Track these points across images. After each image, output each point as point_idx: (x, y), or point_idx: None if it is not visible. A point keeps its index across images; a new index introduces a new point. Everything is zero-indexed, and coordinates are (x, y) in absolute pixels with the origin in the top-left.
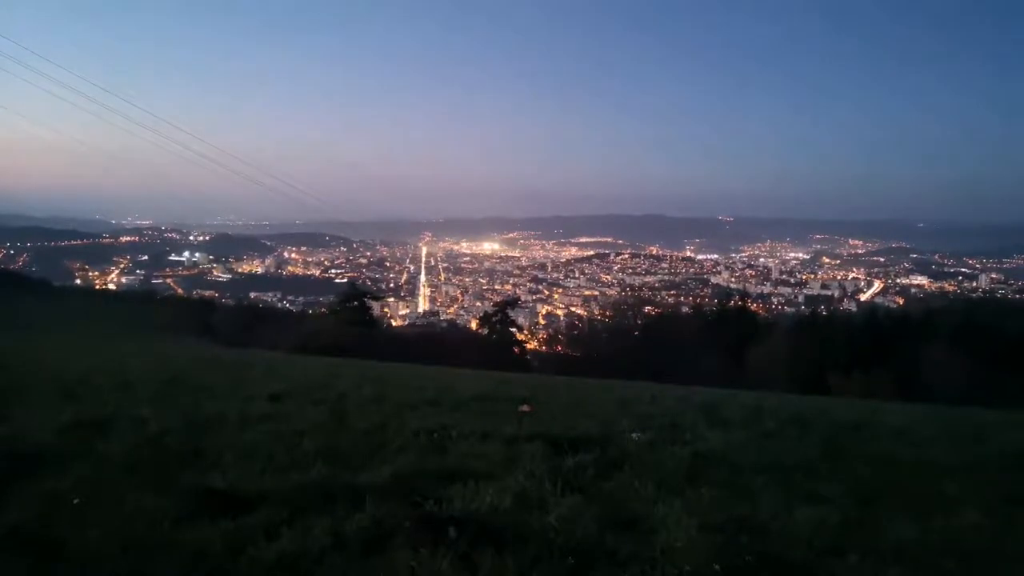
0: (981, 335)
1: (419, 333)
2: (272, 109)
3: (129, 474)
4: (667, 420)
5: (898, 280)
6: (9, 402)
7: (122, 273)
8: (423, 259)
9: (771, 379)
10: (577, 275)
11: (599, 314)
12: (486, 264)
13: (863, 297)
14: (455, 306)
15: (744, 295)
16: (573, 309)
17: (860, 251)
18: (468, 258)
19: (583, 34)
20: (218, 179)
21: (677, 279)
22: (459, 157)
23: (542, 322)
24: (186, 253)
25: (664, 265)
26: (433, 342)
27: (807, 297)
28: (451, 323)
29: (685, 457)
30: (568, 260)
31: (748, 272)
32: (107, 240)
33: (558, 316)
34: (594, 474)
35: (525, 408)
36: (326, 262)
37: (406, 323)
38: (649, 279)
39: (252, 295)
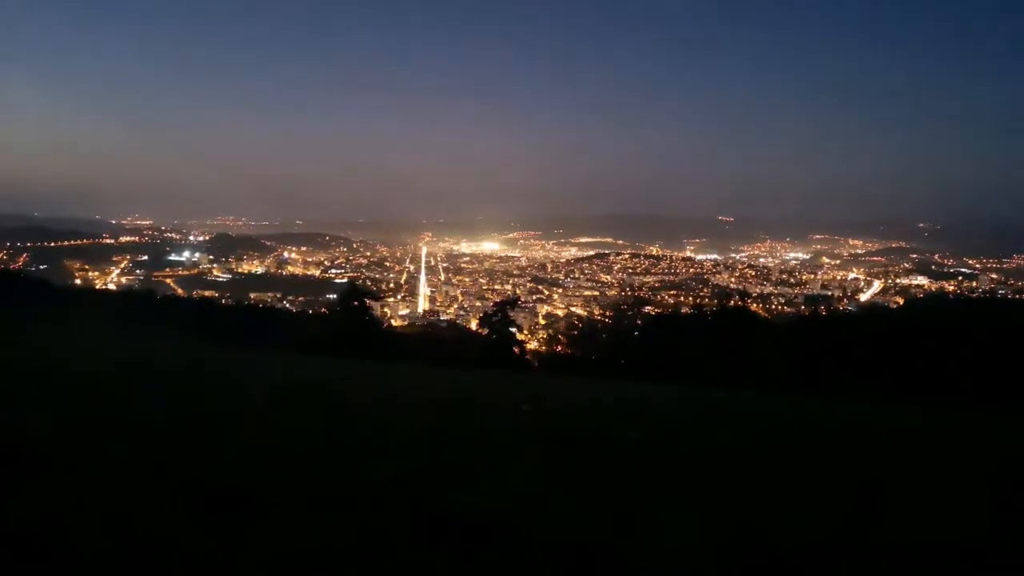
0: (981, 335)
1: (419, 333)
2: (272, 109)
3: (129, 474)
4: (667, 420)
5: (898, 280)
6: (9, 402)
7: (122, 273)
8: (423, 259)
9: (771, 379)
10: (577, 275)
11: (599, 314)
12: (486, 264)
13: (863, 297)
14: (455, 306)
15: (744, 295)
16: (573, 309)
17: (860, 251)
18: (468, 258)
19: (582, 33)
20: (219, 179)
21: (677, 279)
22: (459, 157)
23: (542, 322)
24: (186, 253)
25: (664, 265)
26: (433, 342)
27: (807, 297)
28: (451, 323)
29: (685, 457)
30: (568, 260)
31: (748, 272)
32: (107, 240)
33: (558, 316)
34: (594, 474)
35: (525, 407)
36: (326, 262)
37: (406, 323)
38: (649, 279)
39: (252, 295)
